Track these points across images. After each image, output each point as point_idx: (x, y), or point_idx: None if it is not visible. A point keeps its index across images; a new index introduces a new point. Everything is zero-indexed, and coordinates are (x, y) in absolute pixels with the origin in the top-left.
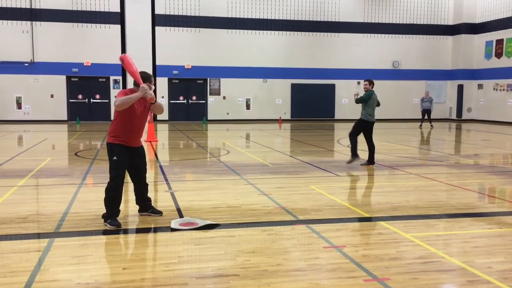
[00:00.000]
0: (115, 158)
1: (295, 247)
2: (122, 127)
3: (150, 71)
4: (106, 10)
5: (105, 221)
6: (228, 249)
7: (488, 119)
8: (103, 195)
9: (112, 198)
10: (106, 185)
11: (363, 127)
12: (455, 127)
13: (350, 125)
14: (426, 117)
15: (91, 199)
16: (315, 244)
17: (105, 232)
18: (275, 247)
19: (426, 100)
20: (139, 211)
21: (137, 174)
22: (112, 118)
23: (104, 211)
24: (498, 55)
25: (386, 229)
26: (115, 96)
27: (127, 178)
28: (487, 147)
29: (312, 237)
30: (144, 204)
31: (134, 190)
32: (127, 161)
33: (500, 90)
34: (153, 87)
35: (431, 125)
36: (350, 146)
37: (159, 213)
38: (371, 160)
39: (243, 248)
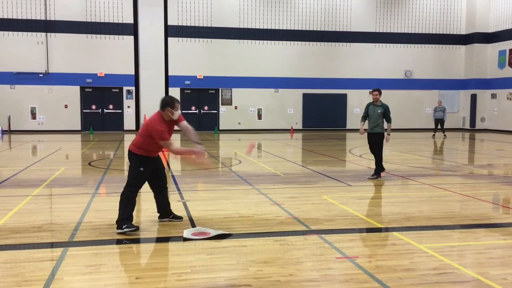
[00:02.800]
0: (142, 169)
1: (308, 258)
2: (151, 144)
3: (162, 82)
4: (120, 21)
5: (120, 227)
6: (241, 259)
7: (502, 128)
8: (117, 204)
9: (130, 202)
10: (122, 189)
11: (382, 139)
12: (469, 137)
13: (362, 135)
14: (439, 126)
15: (105, 209)
16: (328, 255)
17: (119, 242)
18: (287, 257)
19: (439, 109)
20: (160, 217)
21: (160, 178)
22: (137, 130)
23: (115, 219)
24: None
25: (399, 240)
26: (148, 124)
27: (147, 186)
28: (501, 157)
29: (324, 248)
30: (166, 210)
31: (155, 197)
32: (149, 172)
33: None
34: (179, 111)
35: (444, 135)
36: (376, 162)
37: (180, 218)
38: (378, 172)
39: (255, 258)
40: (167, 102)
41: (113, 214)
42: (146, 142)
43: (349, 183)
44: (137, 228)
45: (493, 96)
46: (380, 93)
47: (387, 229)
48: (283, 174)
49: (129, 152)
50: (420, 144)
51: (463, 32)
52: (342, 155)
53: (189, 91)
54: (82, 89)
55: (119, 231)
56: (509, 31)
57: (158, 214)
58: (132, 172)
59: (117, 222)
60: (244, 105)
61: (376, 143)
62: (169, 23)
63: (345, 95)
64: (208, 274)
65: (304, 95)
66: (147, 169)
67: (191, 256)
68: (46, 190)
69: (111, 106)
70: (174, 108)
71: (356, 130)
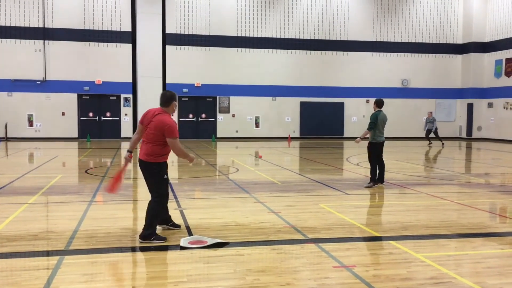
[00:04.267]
0: (165, 176)
1: (305, 266)
2: (164, 148)
3: (160, 89)
4: (118, 29)
5: (147, 238)
6: (237, 267)
7: (498, 137)
8: (113, 212)
9: (159, 213)
10: (151, 200)
11: (375, 148)
12: (465, 145)
13: (360, 143)
14: (431, 135)
15: (101, 217)
16: (325, 264)
17: (116, 250)
18: (284, 266)
19: (429, 121)
20: (159, 224)
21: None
22: (141, 137)
23: (112, 227)
24: (508, 73)
25: (396, 249)
26: (169, 129)
27: (146, 194)
28: (497, 166)
29: (321, 256)
30: (165, 217)
31: None
32: None
33: (510, 108)
34: (176, 105)
35: (442, 143)
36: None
37: (178, 226)
38: (377, 180)
39: (252, 267)
40: (172, 96)
41: (110, 222)
42: (160, 145)
43: (347, 191)
44: (165, 239)
45: (490, 105)
46: (374, 103)
47: (384, 238)
48: (280, 183)
49: (147, 164)
50: (417, 152)
51: (460, 42)
52: (339, 163)
53: (186, 99)
54: (79, 96)
55: (146, 241)
56: (505, 40)
57: None
58: (157, 182)
59: (144, 232)
60: (241, 113)
61: (368, 151)
62: (167, 31)
63: (342, 104)
64: (205, 283)
65: (302, 103)
66: (167, 176)
67: (188, 265)
68: (42, 198)
69: (108, 114)
70: (176, 102)
71: (354, 138)
